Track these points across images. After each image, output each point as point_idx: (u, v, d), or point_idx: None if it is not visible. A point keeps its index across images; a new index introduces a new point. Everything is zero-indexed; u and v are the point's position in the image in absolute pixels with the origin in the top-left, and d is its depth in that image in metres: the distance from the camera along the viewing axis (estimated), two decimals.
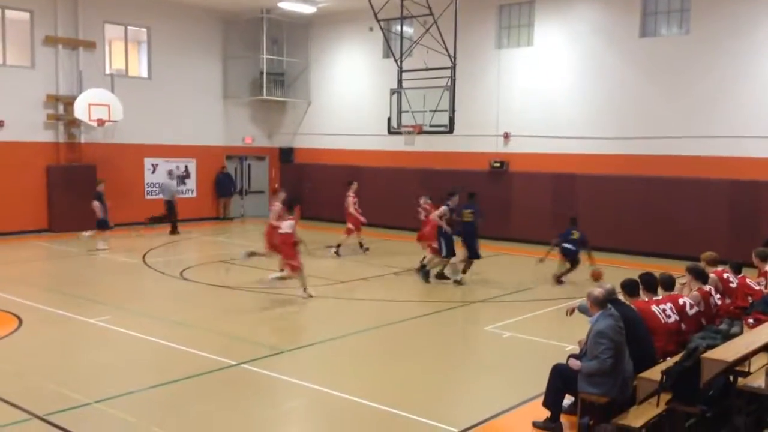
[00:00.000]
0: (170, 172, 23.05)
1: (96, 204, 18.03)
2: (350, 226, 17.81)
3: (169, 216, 21.40)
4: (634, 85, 18.62)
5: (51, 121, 20.85)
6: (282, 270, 13.24)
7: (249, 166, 26.58)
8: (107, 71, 21.92)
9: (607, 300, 6.85)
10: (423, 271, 14.50)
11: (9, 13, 20.04)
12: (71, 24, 21.06)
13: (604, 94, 19.18)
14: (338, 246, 17.64)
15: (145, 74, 23.35)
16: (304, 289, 12.68)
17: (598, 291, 6.84)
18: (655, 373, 6.45)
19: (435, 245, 14.50)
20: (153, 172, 23.22)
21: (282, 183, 26.71)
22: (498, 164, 20.98)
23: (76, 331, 10.68)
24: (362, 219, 18.04)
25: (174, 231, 21.26)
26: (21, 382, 8.13)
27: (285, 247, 12.71)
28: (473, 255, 14.54)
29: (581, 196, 19.41)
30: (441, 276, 14.58)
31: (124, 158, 22.22)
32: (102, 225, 18.08)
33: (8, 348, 9.68)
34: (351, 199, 17.91)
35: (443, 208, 14.15)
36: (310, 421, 7.57)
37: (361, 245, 18.19)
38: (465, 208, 14.69)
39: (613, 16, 18.95)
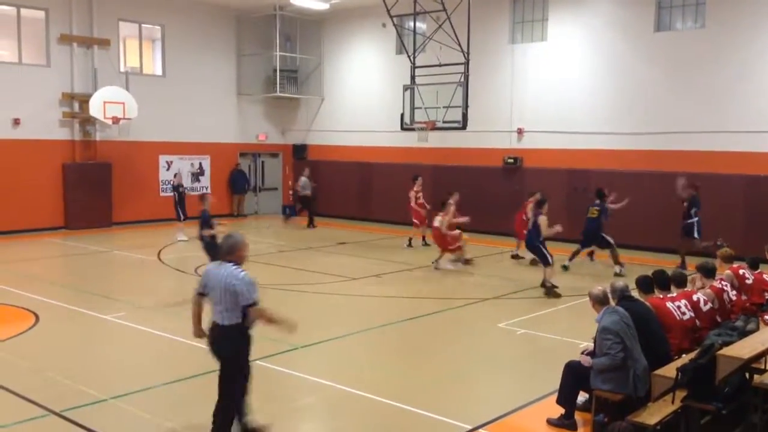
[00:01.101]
0: (305, 170, 23.58)
1: (175, 195, 19.44)
2: (415, 220, 18.47)
3: (309, 209, 22.64)
4: (648, 79, 18.47)
5: (66, 119, 20.99)
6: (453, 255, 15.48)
7: (263, 163, 26.66)
8: (122, 69, 22.03)
9: (609, 297, 6.89)
10: (548, 288, 13.17)
11: (24, 12, 20.16)
12: (86, 22, 21.17)
13: (618, 89, 19.04)
14: (410, 239, 18.62)
15: (159, 72, 23.46)
16: (439, 260, 15.41)
17: (597, 290, 6.87)
18: (670, 371, 6.42)
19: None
20: (167, 169, 23.32)
21: (295, 179, 26.78)
22: (512, 160, 20.90)
23: (92, 327, 10.78)
24: (426, 208, 18.30)
25: (311, 224, 22.22)
26: (38, 379, 8.21)
27: (440, 238, 15.29)
28: (586, 244, 15.61)
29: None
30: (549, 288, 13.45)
31: (139, 156, 22.37)
32: (178, 216, 19.24)
33: (25, 344, 9.77)
34: (413, 194, 18.39)
35: (544, 217, 13.34)
36: (323, 417, 7.60)
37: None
38: (592, 206, 15.37)
39: (627, 10, 18.80)
